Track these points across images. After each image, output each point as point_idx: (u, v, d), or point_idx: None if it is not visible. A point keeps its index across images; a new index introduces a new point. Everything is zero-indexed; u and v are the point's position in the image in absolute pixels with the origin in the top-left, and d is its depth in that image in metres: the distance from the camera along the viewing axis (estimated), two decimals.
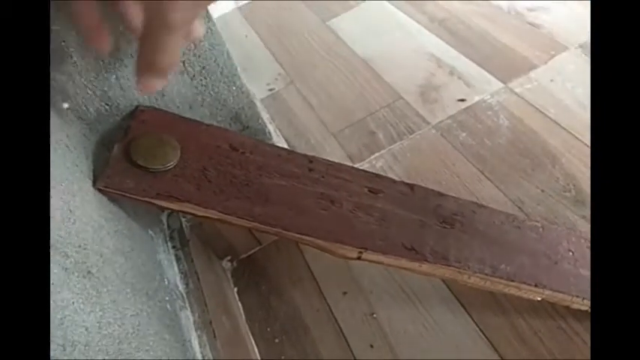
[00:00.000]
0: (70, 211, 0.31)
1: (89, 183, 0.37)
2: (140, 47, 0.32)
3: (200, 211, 0.39)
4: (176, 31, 0.30)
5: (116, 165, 0.39)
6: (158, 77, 0.33)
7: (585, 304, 0.46)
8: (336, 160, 0.48)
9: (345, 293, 0.55)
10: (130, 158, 0.39)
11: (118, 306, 0.31)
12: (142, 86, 0.33)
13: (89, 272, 0.30)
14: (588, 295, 0.46)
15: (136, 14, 0.34)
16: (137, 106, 0.43)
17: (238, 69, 0.47)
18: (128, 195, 0.38)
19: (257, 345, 0.54)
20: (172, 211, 0.45)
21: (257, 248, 0.62)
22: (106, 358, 0.27)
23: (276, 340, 0.54)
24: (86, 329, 0.26)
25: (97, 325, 0.28)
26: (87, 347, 0.26)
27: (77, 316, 0.26)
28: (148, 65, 0.32)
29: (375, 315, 0.53)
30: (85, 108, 0.41)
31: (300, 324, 0.55)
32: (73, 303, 0.27)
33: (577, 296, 0.45)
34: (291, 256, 0.60)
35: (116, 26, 0.37)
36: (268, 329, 0.55)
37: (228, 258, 0.61)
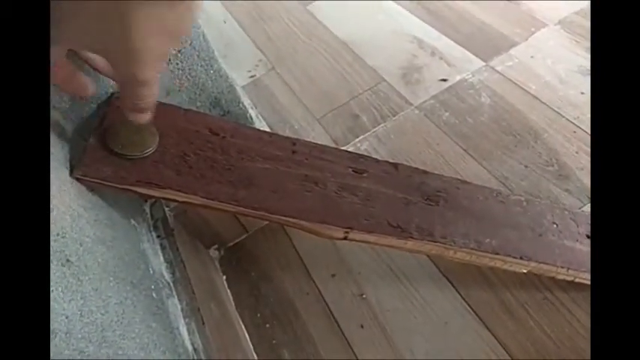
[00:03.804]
0: None
1: (66, 172, 0.36)
2: (120, 94, 0.34)
3: (181, 197, 0.39)
4: (148, 84, 0.32)
5: (93, 153, 0.38)
6: (144, 113, 0.35)
7: (570, 275, 0.46)
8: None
9: (333, 275, 0.55)
10: (107, 146, 0.38)
11: (100, 294, 0.31)
12: (131, 119, 0.35)
13: (68, 260, 0.29)
14: (573, 265, 0.46)
15: (108, 68, 0.36)
16: (112, 93, 0.42)
17: (216, 53, 0.46)
18: (106, 183, 0.37)
19: (247, 331, 0.53)
20: (153, 198, 0.44)
21: (244, 236, 0.61)
22: (89, 345, 0.27)
23: (267, 326, 0.54)
24: (67, 317, 0.26)
25: (79, 313, 0.27)
26: (68, 335, 0.25)
27: (57, 304, 0.26)
28: (130, 107, 0.34)
29: (364, 295, 0.53)
30: (58, 96, 0.40)
31: (291, 308, 0.55)
32: (52, 291, 0.26)
33: (562, 267, 0.46)
34: (278, 241, 0.60)
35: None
36: (258, 315, 0.55)
37: (215, 247, 0.61)
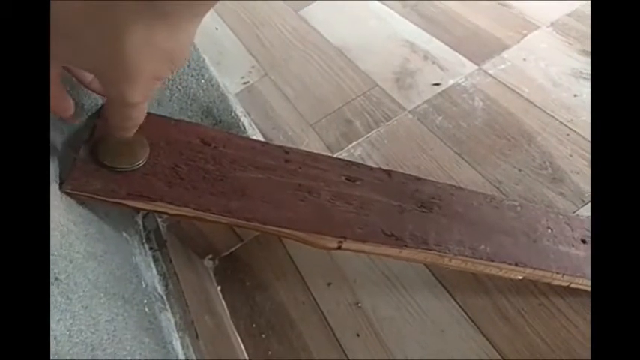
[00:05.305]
0: None
1: (55, 186, 0.36)
2: (107, 113, 0.34)
3: (173, 210, 0.38)
4: (137, 106, 0.32)
5: (83, 167, 0.37)
6: (128, 133, 0.35)
7: (565, 280, 0.46)
8: (315, 151, 0.48)
9: (329, 284, 0.55)
10: (97, 159, 0.38)
11: (90, 312, 0.30)
12: (115, 134, 0.35)
13: (57, 279, 0.29)
14: (568, 270, 0.46)
15: (96, 85, 0.37)
16: (102, 105, 0.42)
17: (207, 61, 0.46)
18: (96, 197, 0.36)
19: (243, 342, 0.53)
20: (145, 211, 0.44)
21: (238, 245, 0.61)
22: None
23: (263, 336, 0.53)
24: (55, 338, 0.25)
25: (67, 333, 0.27)
26: (56, 356, 0.25)
27: None
28: (117, 128, 0.34)
29: (359, 304, 0.53)
30: None
31: (286, 318, 0.54)
32: None
33: (557, 272, 0.46)
34: (273, 250, 0.60)
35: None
36: (254, 325, 0.54)
37: (210, 256, 0.60)
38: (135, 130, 0.36)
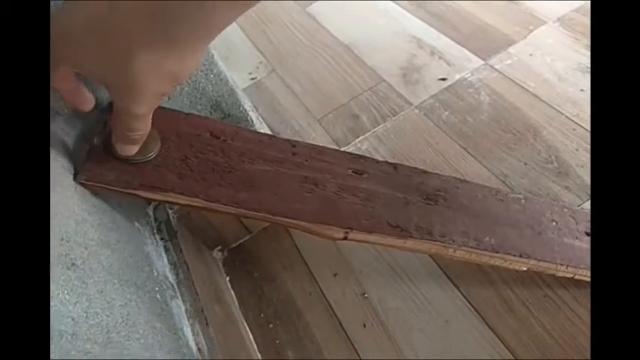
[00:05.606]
0: (51, 205, 0.31)
1: (70, 177, 0.37)
2: (113, 121, 0.34)
3: (184, 200, 0.39)
4: (142, 118, 0.33)
5: (96, 158, 0.39)
6: (132, 145, 0.36)
7: (570, 272, 0.47)
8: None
9: (335, 275, 0.56)
10: (110, 151, 0.39)
11: (105, 296, 0.31)
12: (118, 150, 0.37)
13: (73, 264, 0.30)
14: (572, 262, 0.47)
15: None
16: None
17: (215, 56, 0.47)
18: (110, 187, 0.38)
19: (251, 331, 0.54)
20: (156, 201, 0.45)
21: (247, 237, 0.62)
22: (95, 346, 0.27)
23: (270, 326, 0.54)
24: (73, 319, 0.27)
25: (84, 315, 0.28)
26: (74, 336, 0.26)
27: (63, 307, 0.27)
28: (120, 137, 0.35)
29: (366, 295, 0.54)
30: (62, 102, 0.41)
31: (293, 308, 0.55)
32: (58, 294, 0.27)
33: (561, 264, 0.46)
34: (281, 242, 0.61)
35: None
36: (262, 315, 0.55)
37: (219, 248, 0.61)
38: (137, 148, 0.37)
